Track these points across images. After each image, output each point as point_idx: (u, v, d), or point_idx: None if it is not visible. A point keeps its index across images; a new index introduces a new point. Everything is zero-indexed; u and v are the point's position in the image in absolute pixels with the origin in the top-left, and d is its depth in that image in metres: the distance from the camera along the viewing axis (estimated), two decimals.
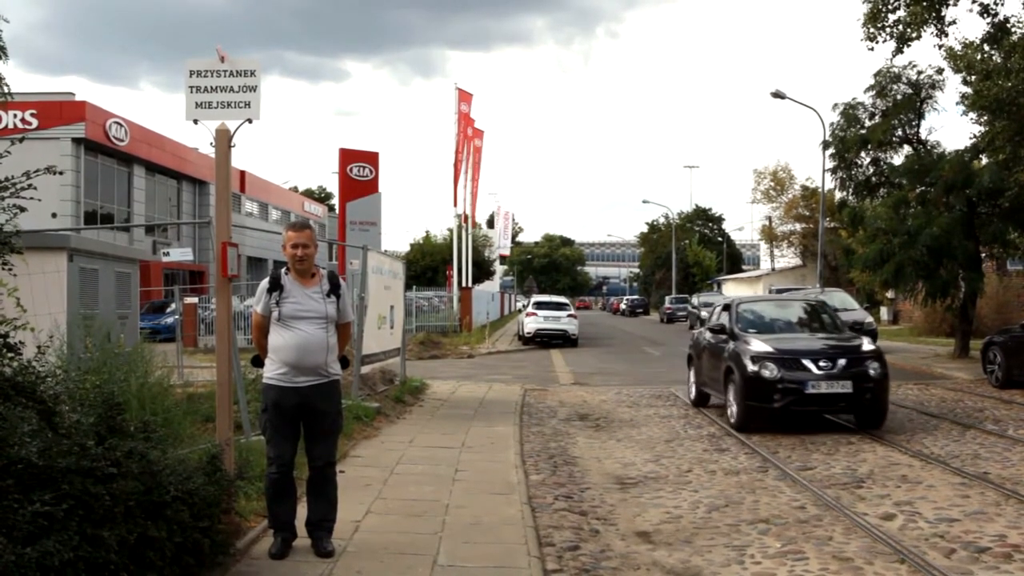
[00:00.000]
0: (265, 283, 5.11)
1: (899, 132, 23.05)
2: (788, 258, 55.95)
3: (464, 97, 35.98)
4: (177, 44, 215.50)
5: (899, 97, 22.71)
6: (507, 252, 73.38)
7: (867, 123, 23.38)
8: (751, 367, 9.87)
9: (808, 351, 10.14)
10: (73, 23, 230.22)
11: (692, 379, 12.63)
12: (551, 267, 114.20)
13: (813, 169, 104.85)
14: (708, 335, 11.87)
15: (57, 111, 32.38)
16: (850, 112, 23.63)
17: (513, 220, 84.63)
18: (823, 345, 10.48)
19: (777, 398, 9.68)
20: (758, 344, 10.26)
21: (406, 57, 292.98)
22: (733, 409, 10.19)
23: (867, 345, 10.57)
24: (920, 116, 23.00)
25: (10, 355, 3.75)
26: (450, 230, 41.83)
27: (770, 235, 55.76)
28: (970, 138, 21.87)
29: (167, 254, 23.21)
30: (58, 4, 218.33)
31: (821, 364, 9.74)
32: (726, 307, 12.05)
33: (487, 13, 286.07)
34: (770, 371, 9.74)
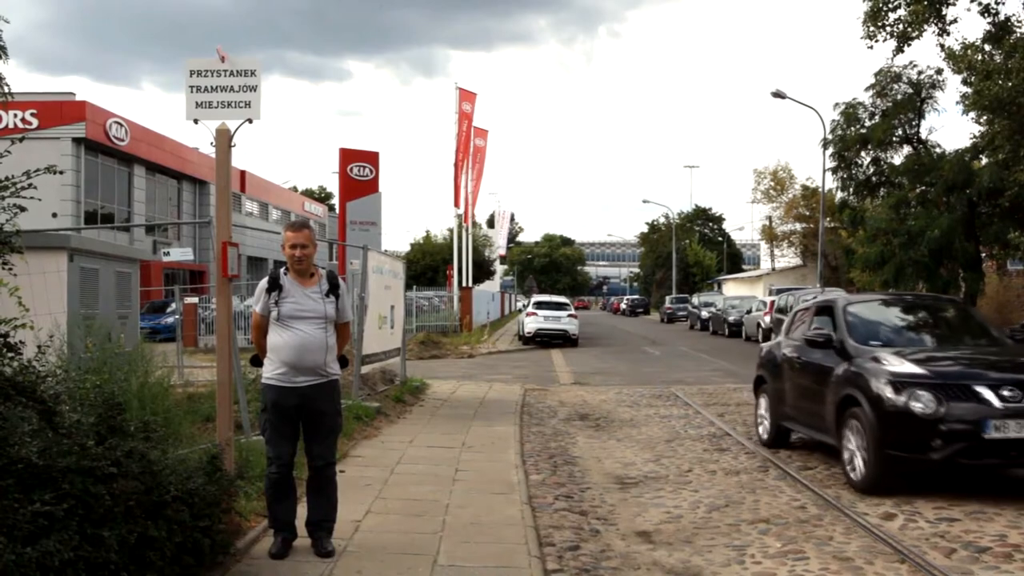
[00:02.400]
0: (264, 283, 5.10)
1: (899, 132, 23.07)
2: (788, 258, 56.04)
3: (466, 96, 35.93)
4: (179, 44, 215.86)
5: (899, 97, 22.74)
6: (504, 252, 73.33)
7: (867, 123, 23.41)
8: (893, 398, 6.71)
9: (980, 374, 6.84)
10: (75, 23, 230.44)
11: (765, 410, 9.31)
12: (551, 267, 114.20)
13: (813, 169, 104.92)
14: (789, 350, 8.95)
15: (57, 111, 32.39)
16: (850, 112, 23.66)
17: (512, 219, 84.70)
18: (997, 364, 7.18)
19: (938, 445, 6.49)
20: (898, 363, 7.04)
21: (408, 57, 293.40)
22: (857, 460, 7.00)
23: None
24: (920, 116, 23.03)
25: (10, 355, 3.75)
26: (450, 230, 41.86)
27: (770, 235, 55.82)
28: (970, 138, 21.92)
29: (167, 254, 23.25)
30: (60, 4, 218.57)
31: (1005, 393, 6.51)
32: (823, 309, 8.81)
33: (489, 13, 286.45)
34: (924, 404, 6.55)
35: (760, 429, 9.48)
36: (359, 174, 17.67)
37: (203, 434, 7.09)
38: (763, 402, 9.48)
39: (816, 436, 8.20)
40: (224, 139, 5.86)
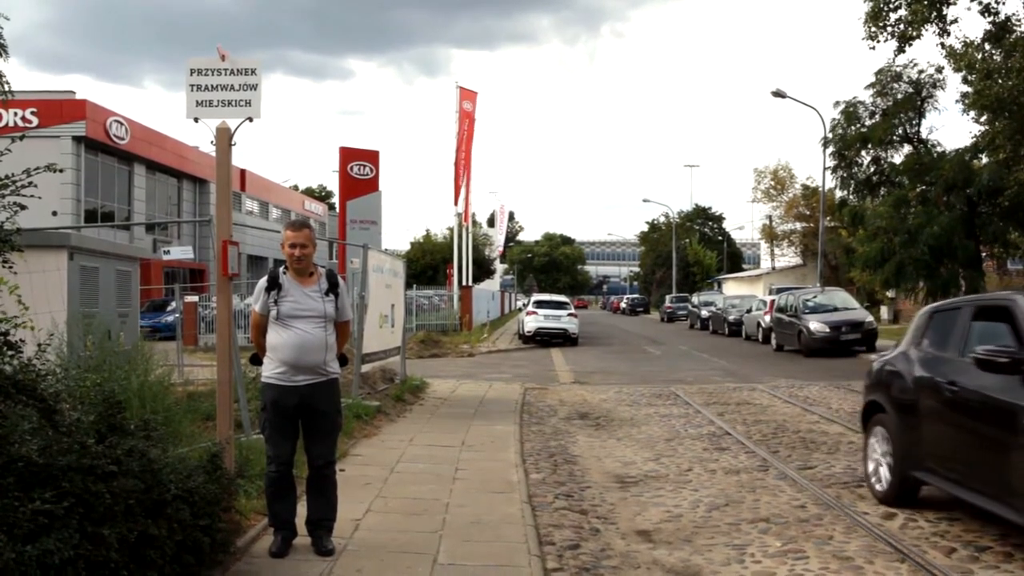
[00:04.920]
0: (263, 282, 5.10)
1: (900, 131, 23.09)
2: (788, 257, 56.14)
3: (467, 95, 35.87)
4: (182, 43, 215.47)
5: (900, 96, 22.74)
6: (501, 248, 73.17)
7: (868, 122, 23.42)
8: None
9: None
10: (78, 22, 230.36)
11: (885, 452, 6.57)
12: (551, 266, 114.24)
13: (814, 168, 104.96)
14: (931, 368, 6.17)
15: (58, 109, 32.40)
16: (851, 111, 23.67)
17: (511, 217, 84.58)
18: None
19: None
20: None
21: (411, 56, 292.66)
22: None
23: None
24: (921, 115, 23.04)
25: (11, 353, 3.75)
26: (450, 229, 41.88)
27: (770, 234, 55.86)
28: (970, 137, 21.95)
29: (167, 252, 23.29)
30: (63, 3, 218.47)
31: None
32: (987, 311, 5.96)
33: (492, 12, 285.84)
34: None
35: (874, 477, 6.73)
36: (359, 173, 17.69)
37: (203, 433, 7.09)
38: (881, 439, 6.67)
39: (985, 505, 5.30)
40: (224, 138, 5.85)
